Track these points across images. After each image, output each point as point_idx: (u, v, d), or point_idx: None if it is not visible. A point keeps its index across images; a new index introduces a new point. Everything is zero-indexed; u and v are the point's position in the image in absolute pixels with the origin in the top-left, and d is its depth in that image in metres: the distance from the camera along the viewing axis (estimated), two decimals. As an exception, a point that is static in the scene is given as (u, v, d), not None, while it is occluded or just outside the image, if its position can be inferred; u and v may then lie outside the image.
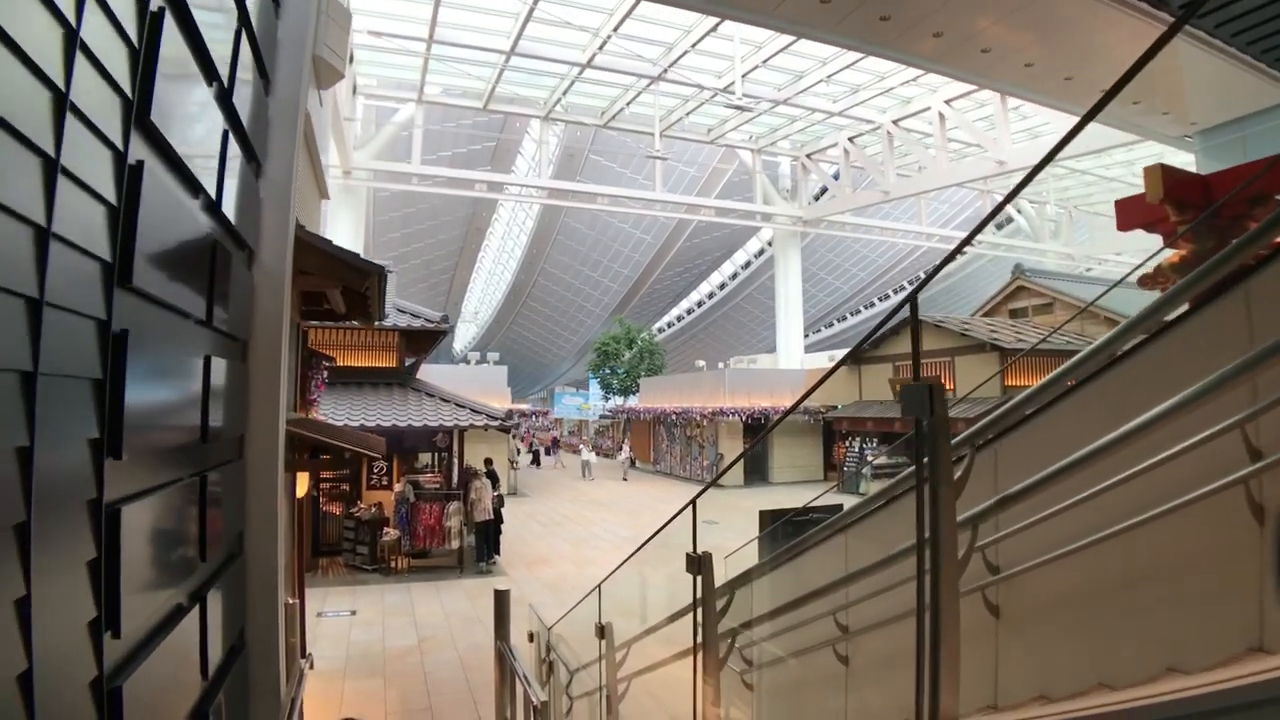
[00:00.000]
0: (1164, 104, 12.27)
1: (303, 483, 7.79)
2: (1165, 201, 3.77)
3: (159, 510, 1.61)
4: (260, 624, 2.77)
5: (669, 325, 60.99)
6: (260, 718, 2.71)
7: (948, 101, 26.94)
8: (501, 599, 6.03)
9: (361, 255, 6.97)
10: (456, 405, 13.06)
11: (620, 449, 32.92)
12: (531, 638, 6.16)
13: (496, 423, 12.58)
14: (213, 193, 1.98)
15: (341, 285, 5.39)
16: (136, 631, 1.47)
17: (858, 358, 25.72)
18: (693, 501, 3.17)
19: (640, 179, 36.07)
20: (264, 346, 2.76)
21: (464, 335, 66.43)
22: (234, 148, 2.22)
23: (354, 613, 10.19)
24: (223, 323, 2.14)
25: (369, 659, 8.39)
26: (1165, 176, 3.76)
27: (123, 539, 1.33)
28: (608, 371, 40.37)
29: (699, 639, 2.87)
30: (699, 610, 2.86)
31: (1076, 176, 37.44)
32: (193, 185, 1.84)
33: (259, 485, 2.74)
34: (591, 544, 15.11)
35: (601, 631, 4.16)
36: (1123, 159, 33.55)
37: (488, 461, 14.14)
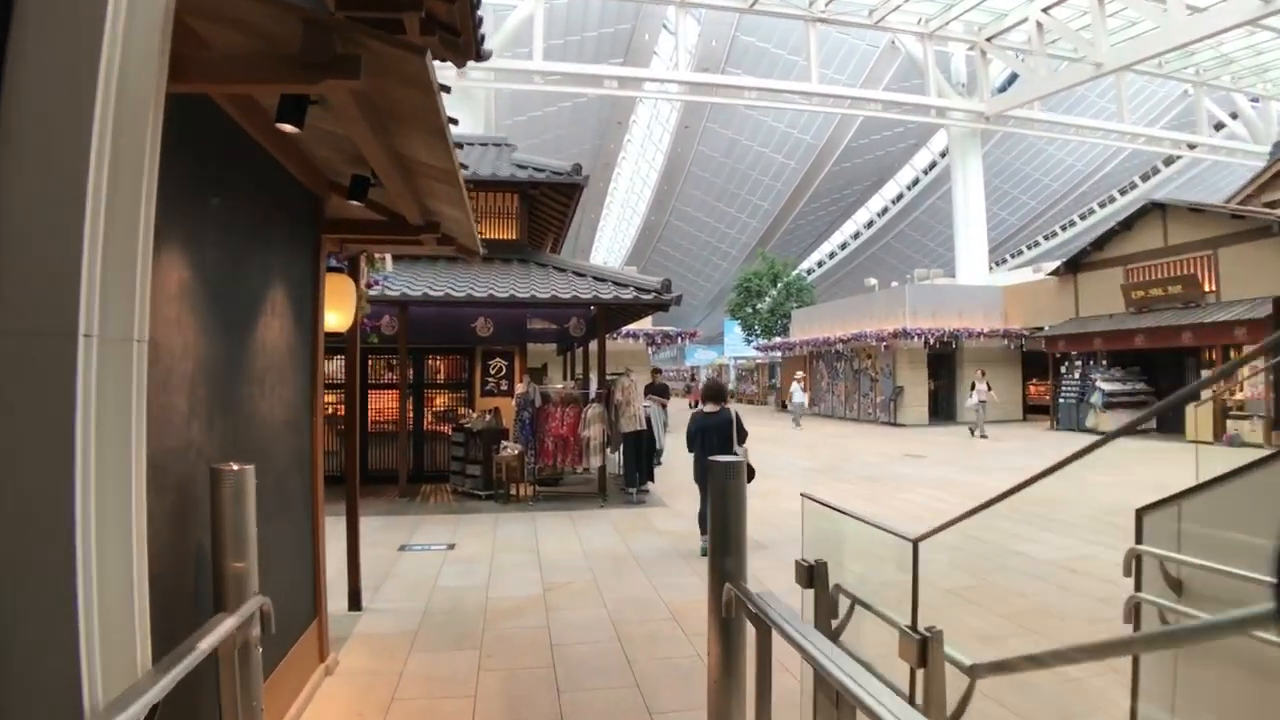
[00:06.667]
0: None
1: (345, 302, 4.40)
2: None
3: None
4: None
5: (808, 272, 55.57)
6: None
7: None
8: (727, 475, 2.39)
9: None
10: (595, 279, 9.58)
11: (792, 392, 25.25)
12: (812, 579, 2.47)
13: (650, 296, 8.97)
14: None
15: None
16: None
17: (1074, 265, 20.46)
18: None
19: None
20: None
21: (592, 286, 63.80)
22: None
23: (451, 546, 6.94)
24: None
25: (461, 615, 5.03)
26: None
27: None
28: (750, 311, 35.90)
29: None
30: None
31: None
32: None
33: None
34: (769, 475, 11.35)
35: None
36: None
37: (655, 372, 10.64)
